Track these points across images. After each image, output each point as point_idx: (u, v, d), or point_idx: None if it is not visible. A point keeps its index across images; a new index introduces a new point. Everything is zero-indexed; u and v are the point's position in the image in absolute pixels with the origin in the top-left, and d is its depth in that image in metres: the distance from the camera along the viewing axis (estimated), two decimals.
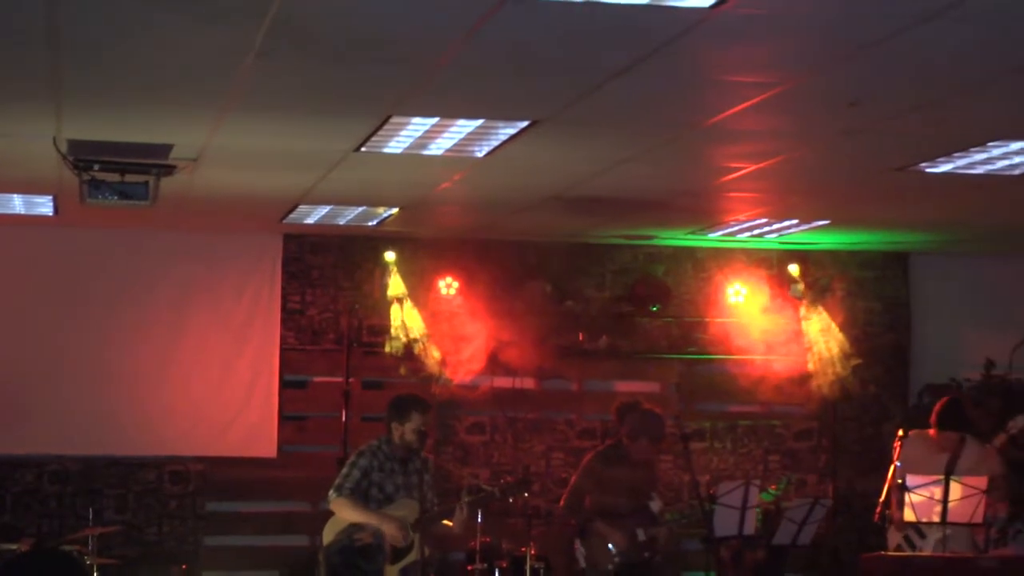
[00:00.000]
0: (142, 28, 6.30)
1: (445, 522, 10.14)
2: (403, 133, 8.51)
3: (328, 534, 9.88)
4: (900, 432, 10.87)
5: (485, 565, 11.23)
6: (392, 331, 13.37)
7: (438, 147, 8.88)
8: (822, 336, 13.70)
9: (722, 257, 14.00)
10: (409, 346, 13.38)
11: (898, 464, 10.67)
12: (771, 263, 14.03)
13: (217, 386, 13.45)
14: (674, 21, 5.96)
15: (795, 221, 12.06)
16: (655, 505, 11.00)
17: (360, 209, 11.89)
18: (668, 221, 12.24)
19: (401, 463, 9.94)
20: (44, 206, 11.88)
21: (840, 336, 13.66)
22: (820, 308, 13.77)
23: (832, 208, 11.50)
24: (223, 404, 13.44)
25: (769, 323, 13.97)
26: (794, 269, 13.72)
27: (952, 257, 14.29)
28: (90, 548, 10.89)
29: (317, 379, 13.75)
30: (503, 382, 13.84)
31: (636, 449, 10.95)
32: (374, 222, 12.45)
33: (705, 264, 14.07)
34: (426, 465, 10.13)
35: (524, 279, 13.79)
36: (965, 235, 13.07)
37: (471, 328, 13.47)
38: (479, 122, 8.23)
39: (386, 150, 8.95)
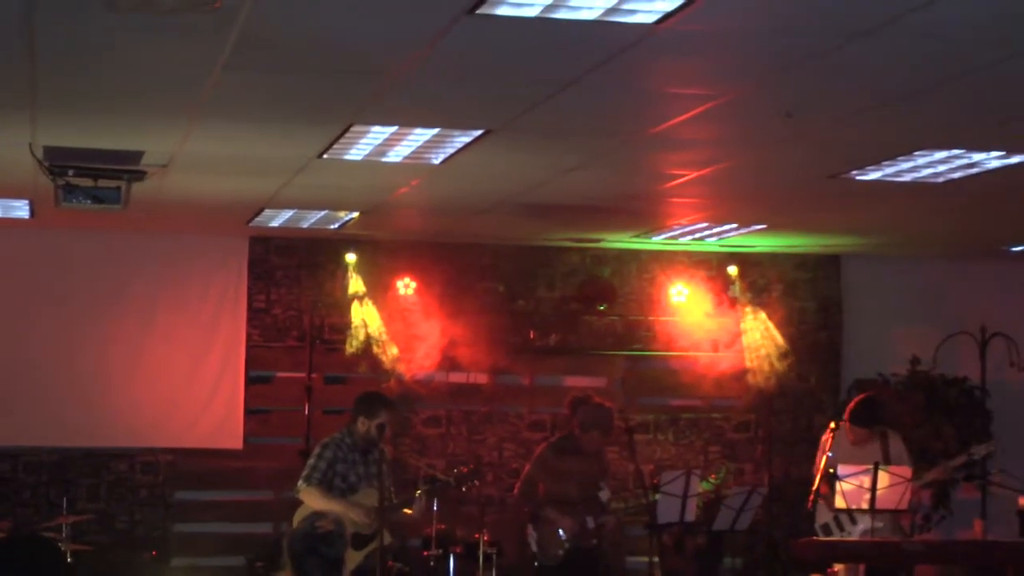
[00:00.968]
0: (115, 41, 6.28)
1: (405, 510, 10.15)
2: (363, 141, 8.50)
3: (295, 521, 9.88)
4: (832, 424, 10.92)
5: (440, 551, 11.23)
6: (352, 329, 13.35)
7: (396, 154, 8.87)
8: (759, 334, 13.75)
9: (665, 259, 14.03)
10: (368, 343, 13.36)
11: (830, 454, 10.73)
12: (711, 265, 14.08)
13: (186, 381, 13.40)
14: (620, 36, 5.97)
15: (734, 225, 12.10)
16: (604, 494, 11.01)
17: (322, 213, 11.87)
18: (614, 225, 12.26)
19: (363, 454, 9.94)
20: (21, 209, 11.82)
21: (776, 334, 13.71)
22: (757, 307, 13.83)
23: (769, 213, 11.54)
24: (191, 398, 13.40)
25: (709, 322, 14.02)
26: (733, 270, 13.77)
27: (882, 259, 14.36)
28: (64, 535, 10.84)
29: (281, 374, 13.72)
30: (458, 377, 13.84)
31: (587, 441, 10.95)
32: (336, 225, 12.43)
33: (649, 266, 14.10)
34: (384, 457, 10.13)
35: (478, 280, 13.81)
36: (893, 239, 13.15)
37: (427, 326, 13.46)
38: (435, 131, 8.23)
39: (347, 157, 8.94)
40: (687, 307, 13.97)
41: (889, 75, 6.66)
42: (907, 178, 9.31)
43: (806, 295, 14.47)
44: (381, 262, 13.46)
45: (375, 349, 13.35)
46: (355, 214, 11.78)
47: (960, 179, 9.24)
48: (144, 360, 13.31)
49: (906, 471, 10.56)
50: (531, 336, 13.85)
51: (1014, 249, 13.11)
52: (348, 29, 6.01)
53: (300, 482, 9.97)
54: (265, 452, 13.55)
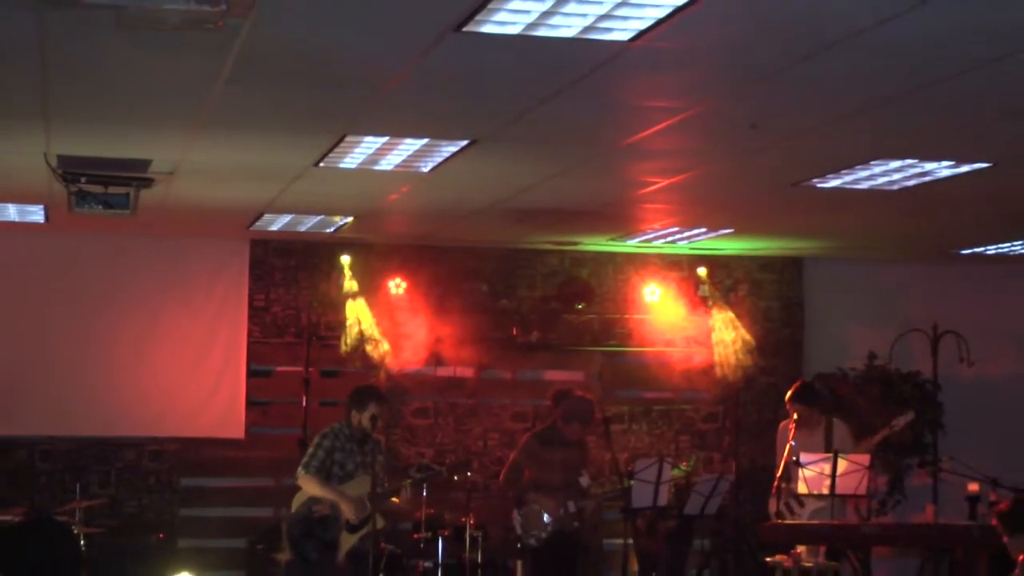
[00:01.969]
0: (124, 56, 6.27)
1: (394, 499, 10.15)
2: (357, 150, 8.49)
3: (294, 506, 9.87)
4: (795, 416, 10.95)
5: (430, 534, 11.23)
6: (346, 326, 13.32)
7: (388, 163, 8.87)
8: (726, 331, 13.75)
9: (639, 261, 14.03)
10: (361, 339, 13.34)
11: (792, 443, 10.76)
12: (682, 266, 14.08)
13: (190, 375, 13.37)
14: (596, 53, 5.98)
15: (703, 229, 12.10)
16: (584, 480, 11.02)
17: (319, 218, 11.85)
18: (591, 229, 12.27)
19: (359, 444, 9.93)
20: (36, 214, 11.79)
21: (742, 331, 13.71)
22: (725, 306, 13.82)
23: (735, 218, 11.55)
24: (196, 391, 13.37)
25: (680, 319, 14.01)
26: (702, 271, 13.76)
27: (841, 262, 14.37)
28: (78, 519, 10.82)
29: (280, 368, 13.69)
30: (445, 371, 13.81)
31: (569, 431, 10.96)
32: (331, 229, 12.41)
33: (624, 267, 14.10)
34: (378, 446, 10.12)
35: (464, 280, 13.80)
36: (852, 242, 13.17)
37: (416, 323, 13.43)
38: (424, 141, 8.22)
39: (342, 165, 8.92)
40: (660, 306, 13.97)
41: (847, 89, 6.67)
42: (864, 186, 9.32)
43: (771, 295, 14.48)
44: (373, 264, 13.44)
45: (367, 345, 13.32)
46: (349, 219, 11.77)
47: (914, 187, 9.26)
48: (151, 355, 13.28)
49: (864, 459, 10.59)
50: (514, 333, 13.84)
51: (964, 252, 13.14)
52: (342, 45, 6.01)
53: (299, 469, 9.94)
54: (265, 441, 13.53)
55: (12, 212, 11.73)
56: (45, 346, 13.03)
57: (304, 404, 13.10)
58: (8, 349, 12.94)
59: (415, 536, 11.39)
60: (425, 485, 11.14)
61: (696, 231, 12.19)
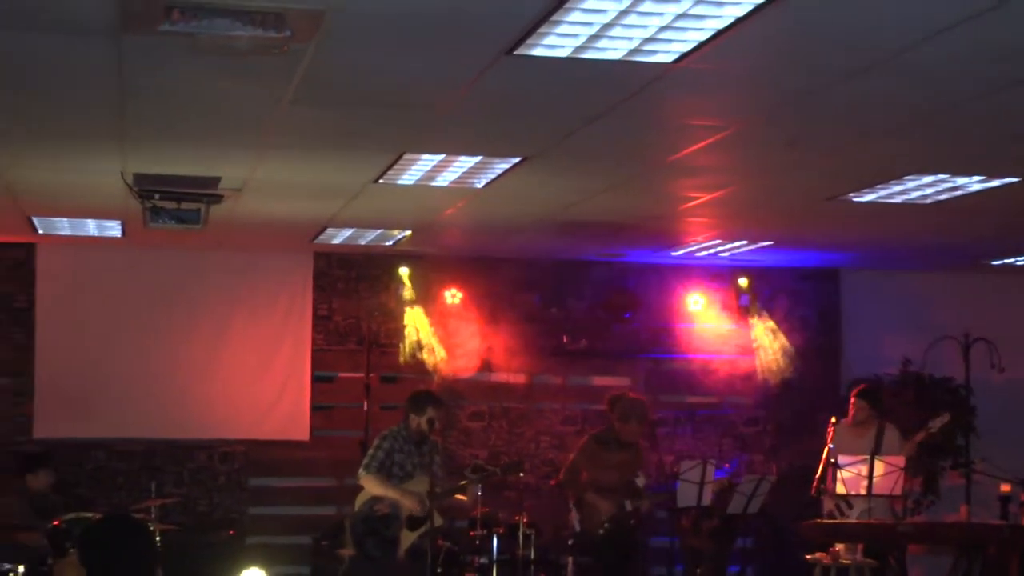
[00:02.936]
0: (196, 80, 6.32)
1: (458, 496, 10.17)
2: (414, 167, 8.52)
3: (357, 505, 9.90)
4: (832, 420, 10.89)
5: (485, 531, 11.22)
6: (405, 334, 13.36)
7: (444, 179, 8.89)
8: (767, 338, 13.70)
9: (683, 272, 13.99)
10: (419, 346, 13.37)
11: (831, 446, 10.70)
12: (724, 277, 14.02)
13: (258, 380, 13.42)
14: (641, 75, 5.98)
15: (744, 242, 12.07)
16: (640, 480, 11.02)
17: (378, 231, 11.89)
18: (637, 241, 12.25)
19: (416, 445, 9.96)
20: (114, 229, 11.87)
21: (782, 338, 13.66)
22: (765, 315, 13.78)
23: (775, 231, 11.51)
24: (263, 395, 13.41)
25: (722, 327, 13.97)
26: (743, 282, 13.72)
27: (876, 272, 14.29)
28: (153, 516, 10.88)
29: (342, 374, 13.71)
30: (498, 377, 13.82)
31: (626, 431, 10.96)
32: (390, 242, 12.45)
33: (669, 278, 14.05)
34: (435, 448, 10.13)
35: (516, 290, 13.79)
36: (886, 253, 13.08)
37: (471, 331, 13.45)
38: (478, 158, 8.24)
39: (400, 182, 8.95)
40: (703, 315, 13.93)
41: (881, 109, 6.65)
42: (898, 200, 9.27)
43: (809, 304, 14.40)
44: (430, 275, 13.46)
45: (424, 352, 13.35)
46: (407, 232, 11.80)
47: (945, 200, 9.20)
48: (222, 362, 13.34)
49: (899, 460, 10.53)
50: (563, 341, 13.82)
51: (994, 263, 13.04)
52: (401, 69, 6.04)
53: (360, 470, 9.98)
54: (329, 443, 13.56)
55: (92, 227, 11.83)
56: (123, 353, 13.10)
57: (365, 408, 13.13)
58: (89, 356, 13.02)
59: (471, 533, 11.38)
60: (480, 485, 11.15)
61: (737, 243, 12.15)
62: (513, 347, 13.51)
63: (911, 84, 6.06)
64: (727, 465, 12.66)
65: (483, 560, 11.08)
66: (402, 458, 10.00)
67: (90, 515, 10.26)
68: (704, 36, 5.36)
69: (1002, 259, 12.82)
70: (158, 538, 10.65)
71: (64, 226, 11.79)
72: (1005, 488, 11.01)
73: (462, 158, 8.24)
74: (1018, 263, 12.92)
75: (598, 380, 14.09)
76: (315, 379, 13.60)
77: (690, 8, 5.06)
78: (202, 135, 7.75)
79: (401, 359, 13.37)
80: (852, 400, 11.08)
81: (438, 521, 9.81)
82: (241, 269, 13.41)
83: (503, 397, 13.89)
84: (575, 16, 5.18)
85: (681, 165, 8.20)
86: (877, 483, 10.40)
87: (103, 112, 7.08)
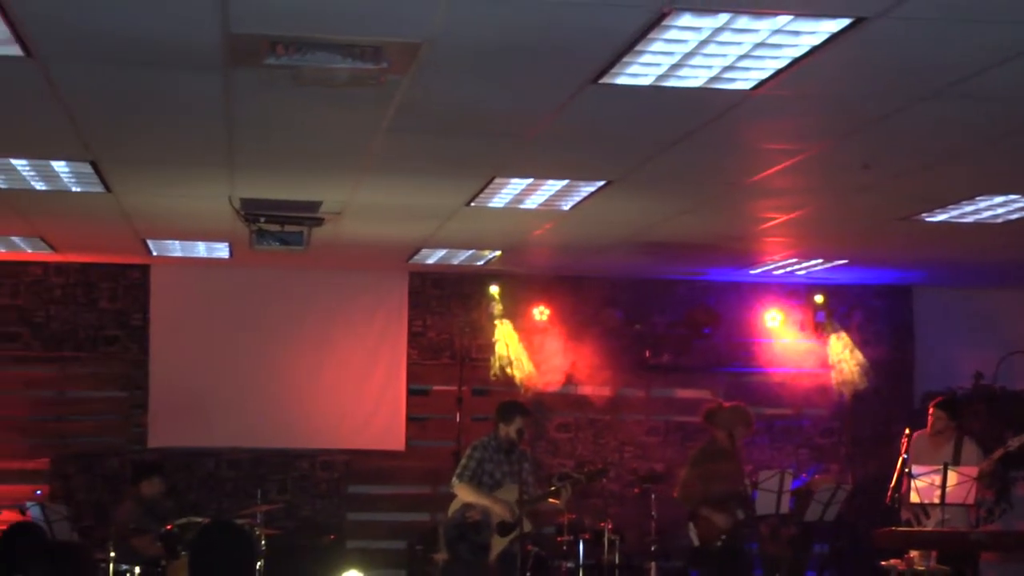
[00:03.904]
0: (298, 110, 6.38)
1: (552, 500, 10.16)
2: (504, 191, 8.53)
3: (450, 512, 9.91)
4: (907, 431, 10.75)
5: (571, 537, 11.20)
6: (495, 349, 13.38)
7: (532, 202, 8.90)
8: (842, 353, 13.57)
9: (761, 289, 13.89)
10: (508, 361, 13.38)
11: (905, 456, 10.56)
12: (800, 294, 13.91)
13: (356, 393, 13.49)
14: (721, 101, 5.96)
15: (819, 260, 11.96)
16: (748, 489, 10.91)
17: (470, 251, 11.92)
18: (717, 260, 12.18)
19: (506, 454, 9.95)
20: (222, 251, 12.01)
21: (857, 353, 13.52)
22: (840, 330, 13.65)
23: (849, 250, 11.39)
24: (362, 408, 13.48)
25: (799, 342, 13.86)
26: (819, 298, 13.61)
27: (948, 289, 14.11)
28: (258, 521, 10.97)
29: (436, 388, 13.75)
30: (584, 390, 13.80)
31: (729, 439, 10.78)
32: (481, 262, 12.48)
33: (747, 295, 13.96)
34: (524, 456, 10.12)
35: (601, 307, 13.76)
36: (958, 271, 12.91)
37: (558, 346, 13.45)
38: (565, 182, 8.24)
39: (490, 205, 8.97)
40: (780, 330, 13.84)
41: (953, 131, 6.57)
42: (970, 220, 9.16)
43: (882, 319, 14.25)
44: (519, 292, 13.47)
45: (513, 366, 13.36)
46: (497, 252, 11.82)
47: (1016, 220, 9.07)
48: (322, 376, 13.42)
49: (972, 470, 10.35)
50: (647, 355, 13.77)
51: None
52: (491, 98, 6.06)
53: (453, 478, 9.98)
54: (423, 453, 13.60)
55: (202, 249, 11.98)
56: (230, 368, 13.24)
57: (457, 419, 13.16)
58: (198, 370, 13.17)
59: (558, 539, 11.37)
60: (568, 492, 11.11)
61: (813, 262, 12.04)
62: (598, 361, 13.49)
63: (982, 107, 5.98)
64: (804, 475, 12.54)
65: (570, 565, 11.06)
66: (492, 467, 9.99)
67: (200, 519, 10.35)
68: (781, 64, 5.33)
69: None
70: (263, 542, 10.74)
71: (176, 248, 11.94)
72: None
73: (549, 182, 8.25)
74: None
75: (680, 393, 14.04)
76: (410, 392, 13.66)
77: (768, 38, 5.04)
78: (304, 162, 7.81)
79: (491, 373, 13.38)
80: (931, 411, 10.91)
81: (527, 527, 9.80)
82: (341, 288, 13.50)
83: (588, 409, 13.87)
84: (658, 46, 5.17)
85: (759, 187, 8.15)
86: (950, 492, 10.22)
87: (213, 141, 7.17)
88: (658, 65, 5.41)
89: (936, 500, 10.26)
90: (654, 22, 4.88)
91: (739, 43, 5.12)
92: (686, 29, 4.98)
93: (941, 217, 9.11)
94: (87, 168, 7.98)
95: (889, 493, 10.58)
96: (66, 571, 4.51)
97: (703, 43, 5.13)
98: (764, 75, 5.49)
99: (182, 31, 5.14)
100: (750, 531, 10.94)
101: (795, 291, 13.94)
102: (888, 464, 11.12)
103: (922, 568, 10.39)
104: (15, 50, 5.38)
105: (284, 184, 8.58)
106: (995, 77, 5.36)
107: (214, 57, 5.44)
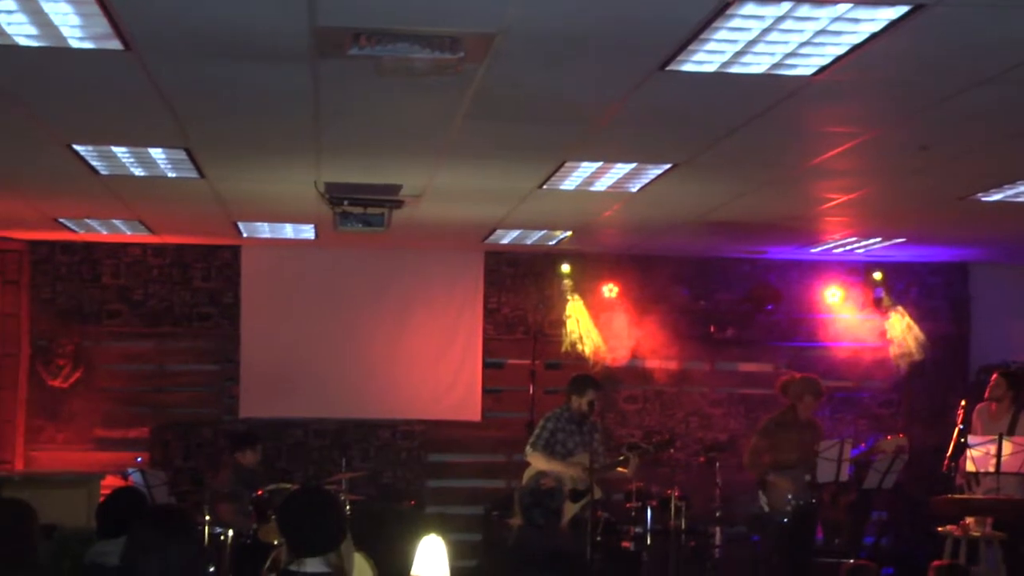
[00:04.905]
0: (380, 98, 6.42)
1: (620, 468, 10.17)
2: (575, 174, 8.53)
3: (524, 479, 9.94)
4: (963, 402, 10.66)
5: (640, 503, 11.20)
6: (567, 325, 13.39)
7: (602, 184, 8.89)
8: (900, 327, 13.45)
9: (821, 267, 13.79)
10: (579, 336, 13.39)
11: (961, 427, 10.47)
12: (860, 271, 13.79)
13: (435, 367, 13.56)
14: (783, 87, 5.92)
15: (878, 239, 11.85)
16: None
17: (542, 232, 11.93)
18: (779, 239, 12.11)
19: (578, 425, 9.96)
20: (308, 232, 12.10)
21: (914, 328, 13.40)
22: (898, 306, 13.53)
23: (907, 229, 11.28)
24: (441, 381, 13.55)
25: (858, 318, 13.76)
26: (878, 275, 13.49)
27: (1003, 266, 13.94)
28: (343, 487, 11.06)
29: (511, 361, 13.79)
30: (652, 363, 13.79)
31: (804, 407, 10.84)
32: (553, 242, 12.49)
33: (808, 272, 13.87)
34: (595, 427, 10.12)
35: (667, 284, 13.73)
36: (1014, 249, 12.74)
37: (626, 322, 13.44)
38: (633, 165, 8.23)
39: (562, 187, 8.98)
40: (839, 306, 13.74)
41: (1009, 114, 6.48)
42: None
43: (939, 296, 14.10)
44: (589, 271, 13.47)
45: (585, 341, 13.37)
46: (568, 232, 11.82)
47: None
48: (403, 350, 13.50)
49: None
50: (711, 330, 13.72)
51: None
52: (563, 85, 6.06)
53: (528, 447, 10.03)
54: (498, 424, 13.66)
55: (289, 230, 12.08)
56: (316, 342, 13.34)
57: (531, 392, 13.19)
58: (287, 344, 13.30)
59: (627, 505, 11.36)
60: (636, 461, 11.11)
61: (872, 240, 11.94)
62: (665, 337, 13.47)
63: None
64: (863, 444, 12.46)
65: (638, 530, 11.06)
66: (564, 436, 10.01)
67: (288, 485, 10.46)
68: (841, 50, 5.29)
69: None
70: (348, 508, 10.83)
71: (265, 230, 12.05)
72: None
73: (618, 165, 8.24)
74: None
75: (743, 366, 13.99)
76: (486, 365, 13.71)
77: (828, 25, 5.00)
78: (386, 147, 7.85)
79: (563, 347, 13.39)
80: (993, 378, 10.81)
81: (597, 494, 9.81)
82: (420, 267, 13.56)
83: (656, 381, 13.85)
84: (722, 35, 5.15)
85: (819, 169, 8.09)
86: (1005, 462, 10.12)
87: (300, 129, 7.23)
88: (722, 52, 5.38)
89: (991, 469, 10.17)
90: (719, 11, 4.87)
91: (800, 30, 5.08)
92: (749, 17, 4.95)
93: (997, 197, 8.99)
94: (182, 155, 8.08)
95: (946, 462, 10.51)
96: (167, 531, 4.57)
97: (766, 31, 5.10)
98: (824, 61, 5.45)
99: (272, 25, 5.19)
100: (815, 498, 10.90)
101: (854, 268, 13.83)
102: (944, 435, 11.04)
103: (977, 534, 10.32)
104: (116, 44, 5.46)
105: (366, 169, 8.63)
106: None
107: (301, 49, 5.49)
